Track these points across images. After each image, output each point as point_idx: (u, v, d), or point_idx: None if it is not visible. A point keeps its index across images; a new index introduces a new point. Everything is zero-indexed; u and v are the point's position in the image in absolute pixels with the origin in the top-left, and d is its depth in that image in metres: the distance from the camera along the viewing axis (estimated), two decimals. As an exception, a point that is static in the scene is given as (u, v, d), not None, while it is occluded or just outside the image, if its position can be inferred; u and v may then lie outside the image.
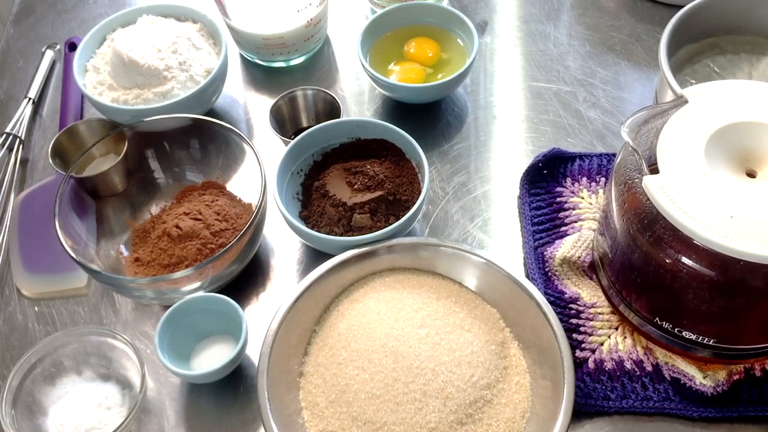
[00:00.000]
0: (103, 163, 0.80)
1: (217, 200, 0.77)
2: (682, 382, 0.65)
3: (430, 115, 0.88)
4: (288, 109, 0.85)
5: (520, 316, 0.68)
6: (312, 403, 0.65)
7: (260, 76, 0.95)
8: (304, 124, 0.87)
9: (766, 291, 0.56)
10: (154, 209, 0.80)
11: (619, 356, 0.67)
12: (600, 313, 0.69)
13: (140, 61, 0.81)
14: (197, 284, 0.69)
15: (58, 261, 0.76)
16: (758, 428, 0.64)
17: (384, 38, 0.91)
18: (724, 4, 0.81)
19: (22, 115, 0.90)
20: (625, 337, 0.68)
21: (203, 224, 0.74)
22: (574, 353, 0.67)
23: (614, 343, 0.68)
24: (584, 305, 0.69)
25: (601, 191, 0.78)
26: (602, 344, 0.68)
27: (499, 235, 0.78)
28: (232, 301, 0.68)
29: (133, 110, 0.81)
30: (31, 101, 0.92)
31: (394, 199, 0.74)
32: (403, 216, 0.72)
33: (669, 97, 0.74)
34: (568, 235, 0.75)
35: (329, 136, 0.79)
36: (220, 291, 0.71)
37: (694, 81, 0.82)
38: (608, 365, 0.67)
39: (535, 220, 0.77)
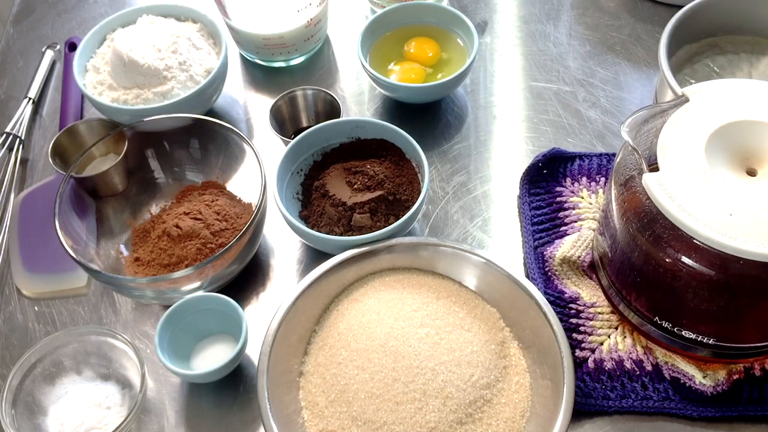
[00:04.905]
0: (103, 163, 0.80)
1: (217, 200, 0.77)
2: (681, 381, 0.65)
3: (430, 115, 0.88)
4: (288, 109, 0.85)
5: (519, 316, 0.68)
6: (312, 403, 0.65)
7: (260, 76, 0.95)
8: (304, 124, 0.87)
9: (765, 290, 0.56)
10: (154, 209, 0.80)
11: (619, 356, 0.67)
12: (600, 313, 0.69)
13: (140, 61, 0.81)
14: (197, 284, 0.69)
15: (58, 261, 0.76)
16: (758, 428, 0.64)
17: (384, 38, 0.91)
18: (724, 4, 0.81)
19: (22, 115, 0.90)
20: (625, 337, 0.68)
21: (203, 224, 0.74)
22: (573, 353, 0.67)
23: (614, 343, 0.68)
24: (584, 305, 0.69)
25: (601, 191, 0.78)
26: (602, 344, 0.68)
27: (499, 235, 0.78)
28: (232, 301, 0.68)
29: (133, 110, 0.81)
30: (31, 101, 0.92)
31: (394, 198, 0.74)
32: (403, 216, 0.72)
33: (669, 96, 0.74)
34: (568, 234, 0.75)
35: (329, 136, 0.79)
36: (220, 291, 0.71)
37: (693, 81, 0.82)
38: (608, 365, 0.67)
39: (535, 220, 0.77)
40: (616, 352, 0.67)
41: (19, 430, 0.64)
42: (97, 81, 0.85)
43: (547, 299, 0.66)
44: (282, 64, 0.95)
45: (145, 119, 0.78)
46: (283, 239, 0.79)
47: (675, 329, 0.63)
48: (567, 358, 0.63)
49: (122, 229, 0.78)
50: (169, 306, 0.68)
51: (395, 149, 0.78)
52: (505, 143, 0.86)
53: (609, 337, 0.68)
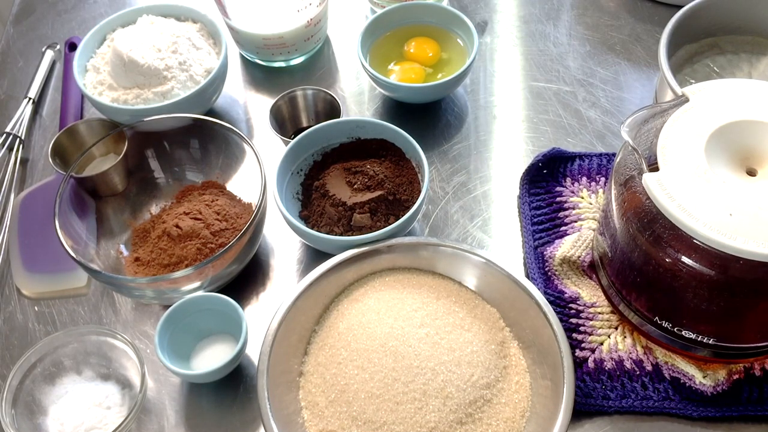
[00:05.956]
0: (103, 163, 0.80)
1: (217, 200, 0.77)
2: (681, 381, 0.65)
3: (430, 115, 0.88)
4: (288, 109, 0.85)
5: (519, 316, 0.68)
6: (312, 403, 0.65)
7: (260, 76, 0.95)
8: (304, 124, 0.87)
9: (765, 290, 0.56)
10: (154, 209, 0.80)
11: (619, 356, 0.67)
12: (600, 313, 0.69)
13: (140, 61, 0.81)
14: (197, 284, 0.69)
15: (58, 261, 0.76)
16: (758, 428, 0.64)
17: (384, 38, 0.91)
18: (724, 4, 0.81)
19: (22, 115, 0.90)
20: (625, 337, 0.68)
21: (203, 224, 0.74)
22: (573, 353, 0.67)
23: (614, 343, 0.68)
24: (584, 305, 0.69)
25: (600, 191, 0.78)
26: (602, 344, 0.68)
27: (499, 235, 0.78)
28: (232, 301, 0.68)
29: (133, 110, 0.81)
30: (31, 101, 0.92)
31: (394, 198, 0.74)
32: (403, 216, 0.72)
33: (669, 96, 0.74)
34: (568, 234, 0.75)
35: (329, 136, 0.79)
36: (220, 291, 0.71)
37: (693, 81, 0.82)
38: (608, 365, 0.67)
39: (535, 220, 0.77)
40: (616, 352, 0.67)
41: (19, 430, 0.64)
42: (97, 81, 0.85)
43: (547, 299, 0.66)
44: (282, 64, 0.95)
45: (145, 119, 0.78)
46: (283, 239, 0.79)
47: (675, 329, 0.63)
48: (567, 358, 0.63)
49: (122, 229, 0.78)
50: (169, 306, 0.68)
51: (395, 149, 0.78)
52: (505, 143, 0.86)
53: (609, 337, 0.68)
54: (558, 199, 0.78)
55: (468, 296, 0.70)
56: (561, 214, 0.77)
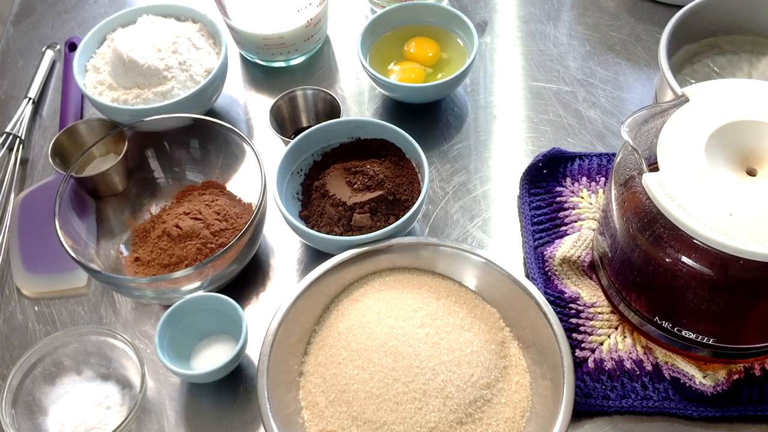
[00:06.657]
0: (103, 163, 0.80)
1: (217, 200, 0.77)
2: (681, 381, 0.65)
3: (430, 115, 0.88)
4: (288, 109, 0.85)
5: (519, 316, 0.68)
6: (312, 403, 0.65)
7: (260, 76, 0.95)
8: (304, 124, 0.87)
9: (765, 290, 0.56)
10: (154, 209, 0.80)
11: (619, 356, 0.67)
12: (600, 313, 0.69)
13: (140, 61, 0.81)
14: (197, 284, 0.69)
15: (58, 261, 0.76)
16: (758, 428, 0.64)
17: (384, 38, 0.91)
18: (724, 4, 0.81)
19: (22, 115, 0.90)
20: (625, 337, 0.68)
21: (203, 224, 0.74)
22: (573, 353, 0.67)
23: (614, 343, 0.68)
24: (584, 305, 0.69)
25: (600, 191, 0.78)
26: (602, 344, 0.68)
27: (499, 235, 0.78)
28: (232, 301, 0.68)
29: (133, 110, 0.81)
30: (31, 101, 0.92)
31: (394, 198, 0.74)
32: (403, 216, 0.72)
33: (669, 96, 0.74)
34: (568, 234, 0.75)
35: (329, 136, 0.79)
36: (220, 291, 0.71)
37: (693, 81, 0.82)
38: (608, 365, 0.67)
39: (535, 220, 0.77)
40: (616, 352, 0.67)
41: (19, 430, 0.64)
42: (97, 81, 0.85)
43: (547, 299, 0.66)
44: (282, 64, 0.95)
45: (145, 119, 0.78)
46: (283, 239, 0.79)
47: (675, 329, 0.63)
48: (567, 358, 0.63)
49: (122, 229, 0.78)
50: (169, 306, 0.68)
51: (395, 149, 0.78)
52: (505, 143, 0.86)
53: (609, 337, 0.68)
54: (558, 199, 0.78)
55: (468, 296, 0.70)
56: (561, 214, 0.77)
